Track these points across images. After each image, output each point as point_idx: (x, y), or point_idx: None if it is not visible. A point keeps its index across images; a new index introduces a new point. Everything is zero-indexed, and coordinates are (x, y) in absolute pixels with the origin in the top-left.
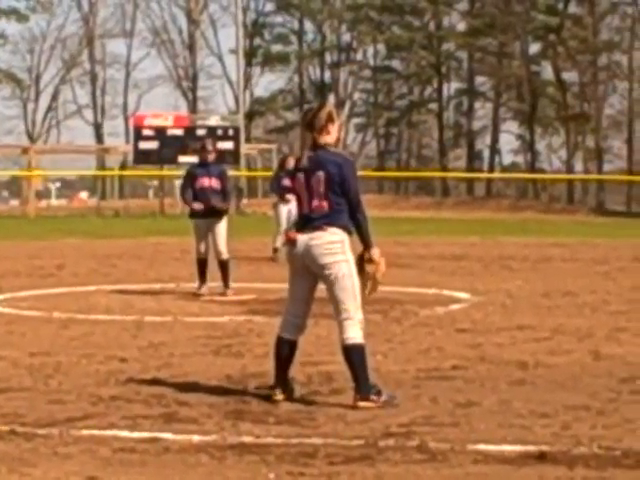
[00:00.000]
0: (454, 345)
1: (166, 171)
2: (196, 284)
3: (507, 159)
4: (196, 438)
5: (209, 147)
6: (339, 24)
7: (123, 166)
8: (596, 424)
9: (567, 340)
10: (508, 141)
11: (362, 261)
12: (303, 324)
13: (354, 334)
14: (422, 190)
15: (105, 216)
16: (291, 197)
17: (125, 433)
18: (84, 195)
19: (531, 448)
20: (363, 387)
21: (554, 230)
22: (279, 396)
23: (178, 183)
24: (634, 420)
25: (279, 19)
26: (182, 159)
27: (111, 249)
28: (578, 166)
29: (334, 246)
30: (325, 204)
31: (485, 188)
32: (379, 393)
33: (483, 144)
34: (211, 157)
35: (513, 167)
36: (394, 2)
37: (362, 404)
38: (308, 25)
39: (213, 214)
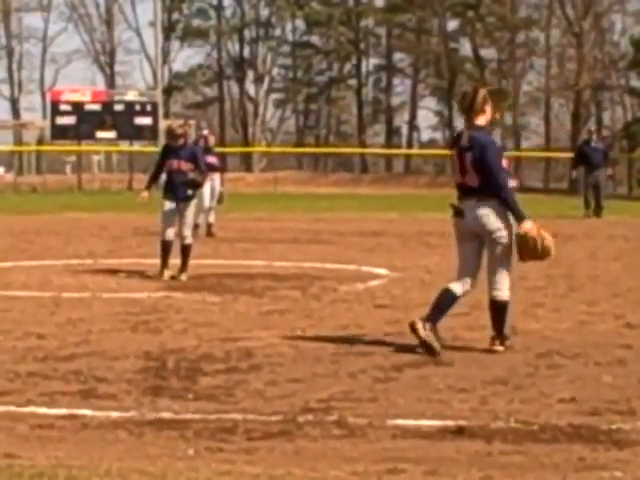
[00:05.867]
0: (373, 321)
1: (84, 146)
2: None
3: (425, 135)
4: (114, 414)
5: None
6: None
7: (40, 141)
8: (513, 399)
9: (484, 315)
10: (426, 117)
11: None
12: (476, 280)
13: (502, 293)
14: (341, 166)
15: (22, 192)
16: (215, 175)
17: (43, 410)
18: (0, 171)
19: (449, 423)
20: (499, 335)
21: None
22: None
23: (96, 159)
24: (551, 395)
25: None
26: (100, 134)
27: (28, 225)
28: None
29: (496, 214)
30: (475, 179)
31: (404, 164)
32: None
33: (402, 120)
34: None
35: (431, 143)
36: None
37: (497, 347)
38: (227, 0)
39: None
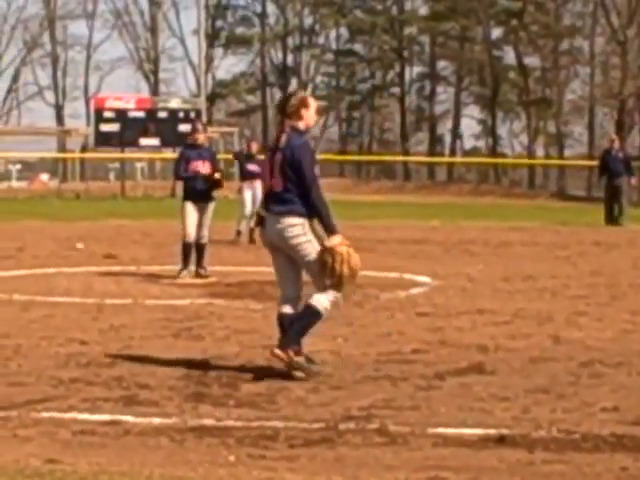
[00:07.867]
0: (415, 329)
1: (127, 154)
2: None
3: (469, 143)
4: (156, 421)
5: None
6: (302, 7)
7: (84, 148)
8: (556, 408)
9: (527, 324)
10: (469, 125)
11: (323, 251)
12: (296, 296)
13: (319, 299)
14: (383, 174)
15: (66, 198)
16: (257, 182)
17: (85, 416)
18: (45, 177)
19: (491, 431)
20: (288, 340)
21: (515, 215)
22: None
23: (140, 166)
24: (593, 404)
25: (242, 1)
26: (143, 142)
27: (72, 231)
28: (539, 151)
29: (295, 229)
30: (280, 182)
31: (446, 172)
32: (297, 353)
33: (445, 128)
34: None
35: (474, 151)
36: None
37: (276, 351)
38: (271, 8)
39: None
